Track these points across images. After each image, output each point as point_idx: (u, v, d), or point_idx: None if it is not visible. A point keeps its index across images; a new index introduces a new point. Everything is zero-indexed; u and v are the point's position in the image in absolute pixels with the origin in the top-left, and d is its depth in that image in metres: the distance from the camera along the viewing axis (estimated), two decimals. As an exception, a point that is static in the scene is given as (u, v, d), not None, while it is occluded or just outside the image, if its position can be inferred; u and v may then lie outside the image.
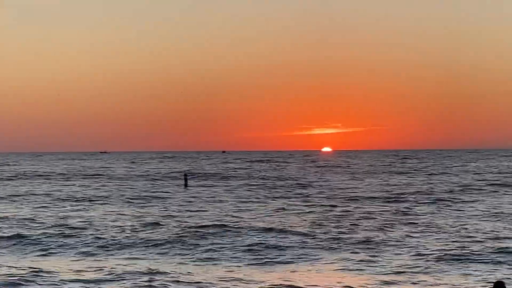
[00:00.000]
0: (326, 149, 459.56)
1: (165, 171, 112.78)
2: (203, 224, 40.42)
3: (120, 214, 47.26)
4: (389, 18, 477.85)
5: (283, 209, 49.35)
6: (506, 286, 19.25)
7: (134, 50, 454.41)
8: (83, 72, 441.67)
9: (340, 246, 32.60)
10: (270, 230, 37.73)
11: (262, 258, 29.62)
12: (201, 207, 51.90)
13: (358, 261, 28.73)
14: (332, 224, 40.48)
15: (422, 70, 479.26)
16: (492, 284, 20.17)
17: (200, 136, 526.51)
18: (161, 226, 39.37)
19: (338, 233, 36.84)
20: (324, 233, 36.84)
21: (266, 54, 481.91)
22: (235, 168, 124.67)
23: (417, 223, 40.52)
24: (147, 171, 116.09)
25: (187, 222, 41.69)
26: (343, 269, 27.19)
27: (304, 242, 33.80)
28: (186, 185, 69.51)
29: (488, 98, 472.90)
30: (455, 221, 41.00)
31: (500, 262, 28.05)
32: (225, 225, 39.65)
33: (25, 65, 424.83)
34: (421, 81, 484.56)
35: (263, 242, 33.53)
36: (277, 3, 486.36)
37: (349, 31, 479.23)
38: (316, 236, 35.24)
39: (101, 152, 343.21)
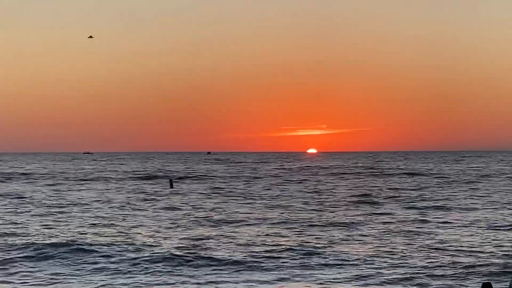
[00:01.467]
0: (312, 150, 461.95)
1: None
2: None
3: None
4: (376, 20, 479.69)
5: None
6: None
7: (118, 52, 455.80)
8: (66, 73, 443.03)
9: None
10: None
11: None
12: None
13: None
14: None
15: (408, 72, 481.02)
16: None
17: (185, 137, 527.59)
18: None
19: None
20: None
21: (251, 56, 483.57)
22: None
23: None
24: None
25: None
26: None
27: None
28: (171, 186, 72.13)
29: (474, 101, 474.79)
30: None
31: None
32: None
33: (5, 66, 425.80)
34: (407, 83, 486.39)
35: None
36: (262, 5, 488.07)
37: (335, 33, 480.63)
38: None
39: (84, 153, 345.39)
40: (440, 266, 26.81)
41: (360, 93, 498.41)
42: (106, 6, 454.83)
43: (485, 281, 20.77)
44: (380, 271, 26.25)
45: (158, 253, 29.68)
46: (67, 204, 54.28)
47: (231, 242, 33.25)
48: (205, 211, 48.37)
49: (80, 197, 61.57)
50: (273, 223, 40.95)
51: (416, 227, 38.70)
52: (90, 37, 72.72)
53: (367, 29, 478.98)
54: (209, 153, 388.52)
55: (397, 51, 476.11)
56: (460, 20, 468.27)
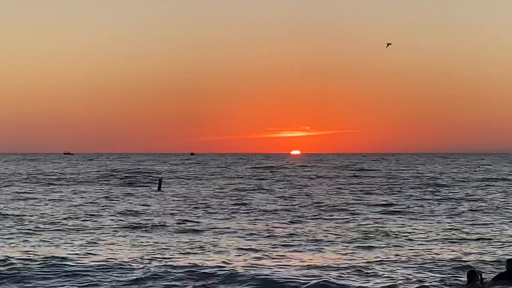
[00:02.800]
0: (295, 152, 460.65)
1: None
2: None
3: None
4: (358, 23, 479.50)
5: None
6: None
7: (101, 53, 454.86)
8: (46, 73, 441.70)
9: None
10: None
11: None
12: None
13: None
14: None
15: (392, 75, 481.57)
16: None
17: (168, 138, 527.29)
18: None
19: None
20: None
21: (234, 59, 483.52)
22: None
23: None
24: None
25: None
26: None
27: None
28: (159, 189, 71.02)
29: (459, 103, 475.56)
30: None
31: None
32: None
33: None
34: (391, 86, 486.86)
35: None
36: (245, 10, 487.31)
37: (319, 37, 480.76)
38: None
39: (64, 153, 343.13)
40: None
41: (343, 95, 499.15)
42: (82, 7, 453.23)
43: (470, 270, 22.08)
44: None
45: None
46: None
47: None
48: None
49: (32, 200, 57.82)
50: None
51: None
52: (388, 44, 67.52)
53: (350, 32, 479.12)
54: (192, 154, 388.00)
55: (380, 54, 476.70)
56: (445, 23, 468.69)
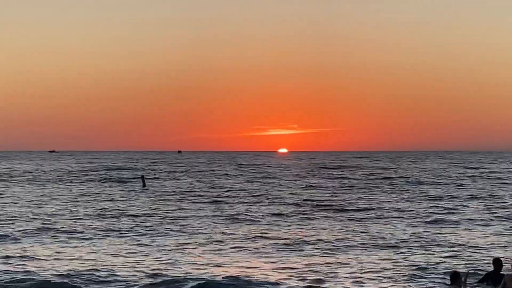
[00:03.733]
0: (282, 150, 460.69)
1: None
2: None
3: None
4: (344, 22, 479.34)
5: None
6: None
7: (88, 51, 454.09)
8: (32, 71, 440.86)
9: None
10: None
11: None
12: None
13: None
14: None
15: (379, 74, 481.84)
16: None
17: (156, 136, 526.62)
18: None
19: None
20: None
21: (222, 57, 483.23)
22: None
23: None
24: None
25: None
26: None
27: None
28: (144, 185, 71.00)
29: (446, 102, 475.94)
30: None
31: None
32: None
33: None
34: (378, 84, 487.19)
35: None
36: (231, 8, 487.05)
37: (306, 35, 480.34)
38: None
39: (50, 151, 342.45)
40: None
41: (331, 93, 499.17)
42: (65, 6, 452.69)
43: (453, 270, 22.34)
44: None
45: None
46: None
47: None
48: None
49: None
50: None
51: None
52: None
53: (338, 30, 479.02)
54: (179, 152, 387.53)
55: (368, 53, 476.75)
56: (432, 22, 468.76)
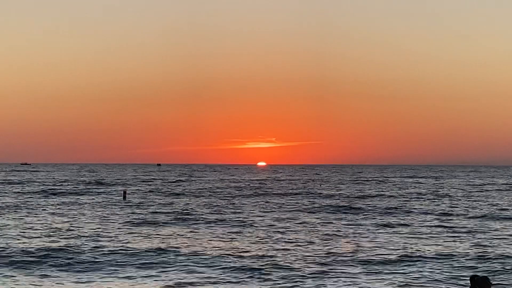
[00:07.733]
0: (261, 163, 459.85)
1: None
2: None
3: None
4: (322, 34, 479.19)
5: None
6: None
7: (64, 61, 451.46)
8: (8, 81, 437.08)
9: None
10: None
11: None
12: None
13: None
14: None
15: (356, 88, 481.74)
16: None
17: (135, 149, 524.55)
18: None
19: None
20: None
21: (200, 70, 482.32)
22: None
23: None
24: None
25: None
26: None
27: None
28: (124, 198, 73.16)
29: (423, 115, 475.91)
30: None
31: None
32: None
33: None
34: (356, 98, 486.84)
35: None
36: (211, 20, 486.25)
37: (284, 49, 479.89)
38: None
39: (22, 164, 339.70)
40: None
41: (309, 107, 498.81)
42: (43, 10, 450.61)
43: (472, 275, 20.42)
44: None
45: None
46: None
47: None
48: None
49: None
50: None
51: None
52: None
53: (315, 46, 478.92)
54: (159, 165, 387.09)
55: (345, 66, 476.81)
56: (411, 33, 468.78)
